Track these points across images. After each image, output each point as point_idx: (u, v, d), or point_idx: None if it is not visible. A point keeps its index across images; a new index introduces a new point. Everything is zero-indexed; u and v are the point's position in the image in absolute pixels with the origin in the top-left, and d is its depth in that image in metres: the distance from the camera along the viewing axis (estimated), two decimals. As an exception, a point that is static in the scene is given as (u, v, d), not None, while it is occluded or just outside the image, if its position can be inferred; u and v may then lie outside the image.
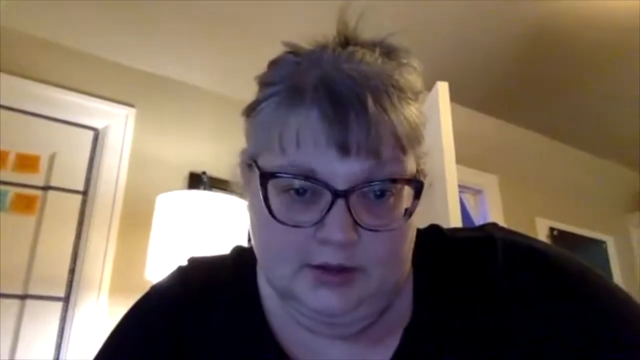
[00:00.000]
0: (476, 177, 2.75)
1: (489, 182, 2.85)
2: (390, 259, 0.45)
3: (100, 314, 1.68)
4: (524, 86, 2.48)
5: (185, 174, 2.01)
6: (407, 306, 0.51)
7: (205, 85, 2.17)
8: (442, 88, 1.66)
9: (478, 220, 2.80)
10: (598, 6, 1.92)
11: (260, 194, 0.44)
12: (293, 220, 0.43)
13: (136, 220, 1.81)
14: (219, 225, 1.50)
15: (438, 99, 1.65)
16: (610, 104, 2.62)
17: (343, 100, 0.43)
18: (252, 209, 0.49)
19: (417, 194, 0.45)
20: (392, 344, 0.49)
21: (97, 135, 1.92)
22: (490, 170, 2.85)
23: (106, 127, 1.91)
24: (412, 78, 0.47)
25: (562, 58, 2.27)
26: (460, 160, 1.62)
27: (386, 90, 0.44)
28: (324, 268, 0.43)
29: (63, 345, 1.63)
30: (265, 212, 0.44)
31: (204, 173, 1.95)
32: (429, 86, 1.73)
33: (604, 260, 3.15)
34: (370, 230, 0.43)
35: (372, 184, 0.43)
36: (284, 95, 0.46)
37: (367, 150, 0.42)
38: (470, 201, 2.83)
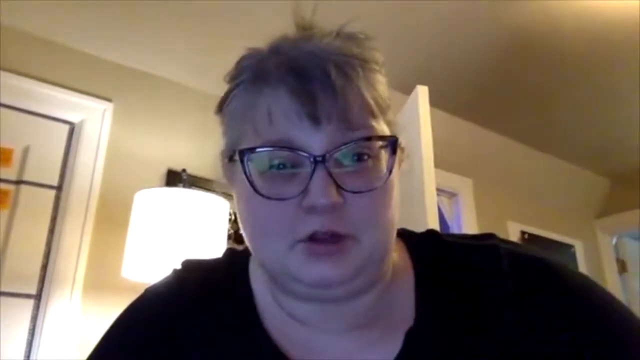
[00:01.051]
0: (452, 181, 2.80)
1: (464, 186, 2.90)
2: (378, 221, 0.46)
3: (73, 311, 1.65)
4: (499, 93, 2.54)
5: (162, 171, 1.98)
6: (407, 307, 0.51)
7: (185, 81, 2.15)
8: (422, 91, 1.68)
9: (452, 223, 2.84)
10: (573, 20, 1.98)
11: (243, 174, 0.45)
12: (277, 194, 0.44)
13: (112, 216, 1.78)
14: (198, 224, 1.49)
15: (418, 102, 1.67)
16: (581, 112, 2.70)
17: (307, 74, 0.44)
18: (239, 197, 0.49)
19: (393, 150, 0.46)
20: (393, 346, 0.49)
21: (73, 130, 1.88)
22: (466, 174, 2.91)
23: (82, 121, 1.88)
24: (372, 52, 0.49)
25: (537, 68, 2.33)
26: (436, 163, 1.64)
27: (348, 61, 0.46)
28: (314, 240, 0.44)
29: (34, 343, 1.59)
30: (251, 193, 0.45)
31: (184, 171, 1.93)
32: (409, 90, 1.76)
33: (572, 263, 3.24)
34: (353, 192, 0.44)
35: (347, 144, 0.44)
36: (250, 81, 0.48)
37: (338, 117, 0.44)
38: (445, 204, 2.87)
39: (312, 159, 0.43)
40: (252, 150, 0.45)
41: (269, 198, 0.44)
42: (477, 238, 0.56)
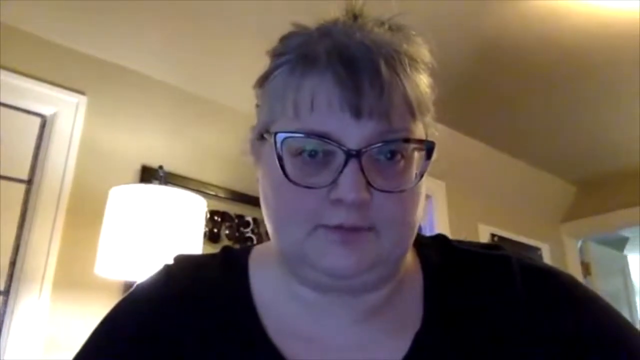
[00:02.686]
0: (426, 183, 2.83)
1: (438, 188, 2.95)
2: (402, 222, 0.46)
3: (42, 308, 1.60)
4: (472, 99, 2.59)
5: (137, 167, 1.95)
6: (414, 307, 0.51)
7: (162, 77, 2.11)
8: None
9: (425, 225, 2.88)
10: (543, 31, 2.04)
11: (275, 156, 0.44)
12: (306, 181, 0.44)
13: (84, 212, 1.74)
14: (174, 222, 1.47)
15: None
16: (550, 120, 2.78)
17: (356, 65, 0.44)
18: (265, 177, 0.49)
19: (429, 155, 0.46)
20: (399, 347, 0.48)
21: (45, 122, 1.83)
22: (439, 177, 2.95)
23: (54, 114, 1.83)
24: (421, 49, 0.49)
25: (509, 76, 2.39)
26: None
27: (398, 57, 0.45)
28: (337, 229, 0.44)
29: (2, 340, 1.54)
30: (279, 176, 0.44)
31: (160, 167, 1.90)
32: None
33: (538, 266, 3.33)
34: (382, 191, 0.44)
35: (385, 143, 0.44)
36: (297, 62, 0.46)
37: (379, 113, 0.43)
38: (418, 206, 2.90)
39: (346, 152, 0.43)
40: (288, 134, 0.44)
41: (297, 185, 0.44)
42: (487, 248, 0.57)
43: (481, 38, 2.11)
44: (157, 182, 1.84)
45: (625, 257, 4.13)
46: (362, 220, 0.44)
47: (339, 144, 0.43)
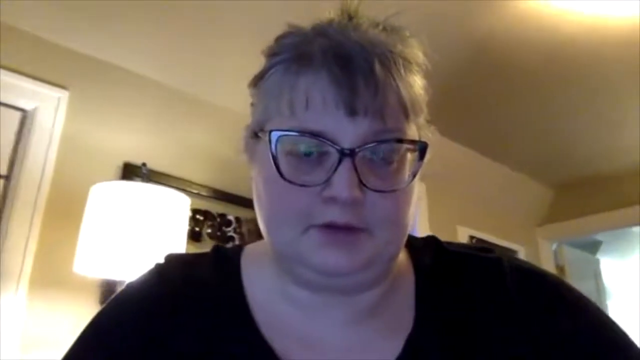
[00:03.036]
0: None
1: (419, 190, 2.98)
2: (395, 221, 0.46)
3: (19, 306, 1.58)
4: (454, 102, 2.62)
5: (118, 164, 1.93)
6: (406, 308, 0.52)
7: (146, 73, 2.09)
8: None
9: (406, 226, 2.91)
10: (526, 37, 2.08)
11: (269, 154, 0.45)
12: (300, 180, 0.44)
13: (64, 209, 1.71)
14: (157, 220, 1.46)
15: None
16: (529, 124, 2.83)
17: (351, 65, 0.44)
18: (259, 175, 0.49)
19: (422, 155, 0.46)
20: (392, 348, 0.49)
21: (25, 117, 1.80)
22: (420, 178, 2.98)
23: (35, 109, 1.80)
24: (415, 51, 0.49)
25: (490, 80, 2.43)
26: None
27: (392, 58, 0.46)
28: (330, 227, 0.44)
29: (-24, 340, 1.51)
30: (273, 174, 0.45)
31: (144, 164, 1.88)
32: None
33: (515, 268, 3.39)
34: (375, 191, 0.44)
35: (379, 143, 0.44)
36: (293, 61, 0.47)
37: (374, 112, 0.44)
38: (399, 207, 2.93)
39: (340, 151, 0.43)
40: (283, 132, 0.45)
41: (291, 183, 0.44)
42: (479, 250, 0.57)
43: (464, 43, 2.14)
44: (139, 179, 1.82)
45: (598, 260, 4.23)
46: (355, 219, 0.44)
47: (333, 143, 0.44)
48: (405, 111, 0.46)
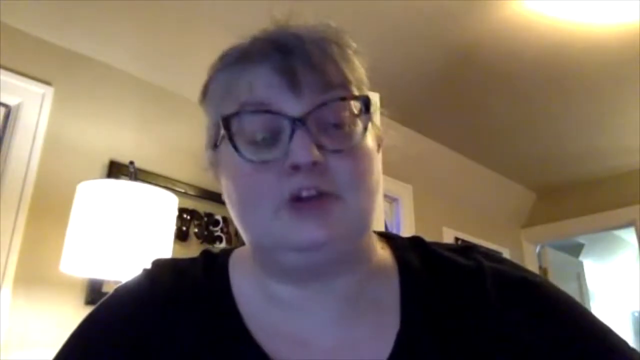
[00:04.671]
0: (394, 186, 2.88)
1: (405, 192, 3.00)
2: (361, 183, 0.47)
3: (2, 306, 1.55)
4: (440, 104, 2.65)
5: (104, 162, 1.91)
6: (394, 307, 0.52)
7: (132, 70, 2.07)
8: (373, 99, 1.73)
9: (392, 227, 2.93)
10: (509, 41, 2.11)
11: (227, 138, 0.47)
12: (261, 158, 0.46)
13: (49, 208, 1.69)
14: (145, 219, 1.44)
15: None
16: (513, 128, 2.87)
17: (290, 52, 0.47)
18: (226, 179, 0.50)
19: (367, 109, 0.48)
20: (381, 347, 0.49)
21: (9, 113, 1.77)
22: (406, 180, 3.00)
23: (19, 105, 1.77)
24: (348, 39, 0.52)
25: (475, 84, 2.46)
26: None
27: (328, 42, 0.49)
28: (299, 199, 0.45)
29: (-44, 339, 1.48)
30: (237, 163, 0.47)
31: (131, 163, 1.86)
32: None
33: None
34: (333, 151, 0.46)
35: (324, 105, 0.46)
36: (235, 63, 0.50)
37: (315, 85, 0.47)
38: (386, 208, 2.95)
39: (291, 121, 0.45)
40: (235, 114, 0.47)
41: (252, 162, 0.46)
42: (462, 252, 0.57)
43: (450, 47, 2.16)
44: (126, 177, 1.81)
45: (581, 262, 4.29)
46: (321, 182, 0.45)
47: (284, 113, 0.46)
48: (345, 78, 0.49)
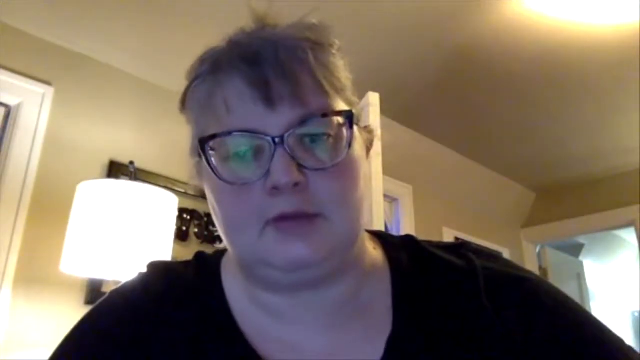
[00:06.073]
0: (393, 186, 2.88)
1: (405, 192, 3.00)
2: (345, 200, 0.46)
3: (2, 305, 1.55)
4: (441, 104, 2.64)
5: (104, 162, 1.91)
6: (385, 310, 0.51)
7: (132, 70, 2.08)
8: (373, 99, 1.72)
9: (392, 227, 2.93)
10: (510, 42, 2.10)
11: (205, 161, 0.46)
12: (241, 179, 0.45)
13: (49, 208, 1.69)
14: (145, 219, 1.44)
15: (368, 109, 1.71)
16: (513, 128, 2.86)
17: (259, 60, 0.45)
18: (209, 192, 0.49)
19: (351, 124, 0.46)
20: (373, 350, 0.48)
21: (9, 113, 1.77)
22: (406, 180, 3.00)
23: (19, 105, 1.77)
24: (327, 36, 0.49)
25: (475, 84, 2.45)
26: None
27: (299, 44, 0.47)
28: (283, 220, 0.44)
29: (-44, 339, 1.49)
30: (219, 183, 0.45)
31: (131, 163, 1.86)
32: (360, 95, 1.80)
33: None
34: (315, 170, 0.44)
35: (303, 124, 0.44)
36: (208, 73, 0.49)
37: (291, 98, 0.44)
38: (386, 208, 2.95)
39: (271, 141, 0.44)
40: (212, 137, 0.45)
41: (232, 184, 0.45)
42: (453, 250, 0.56)
43: (449, 47, 2.16)
44: (126, 177, 1.81)
45: (581, 262, 4.28)
46: (304, 204, 0.44)
47: (262, 133, 0.44)
48: (323, 89, 0.46)
